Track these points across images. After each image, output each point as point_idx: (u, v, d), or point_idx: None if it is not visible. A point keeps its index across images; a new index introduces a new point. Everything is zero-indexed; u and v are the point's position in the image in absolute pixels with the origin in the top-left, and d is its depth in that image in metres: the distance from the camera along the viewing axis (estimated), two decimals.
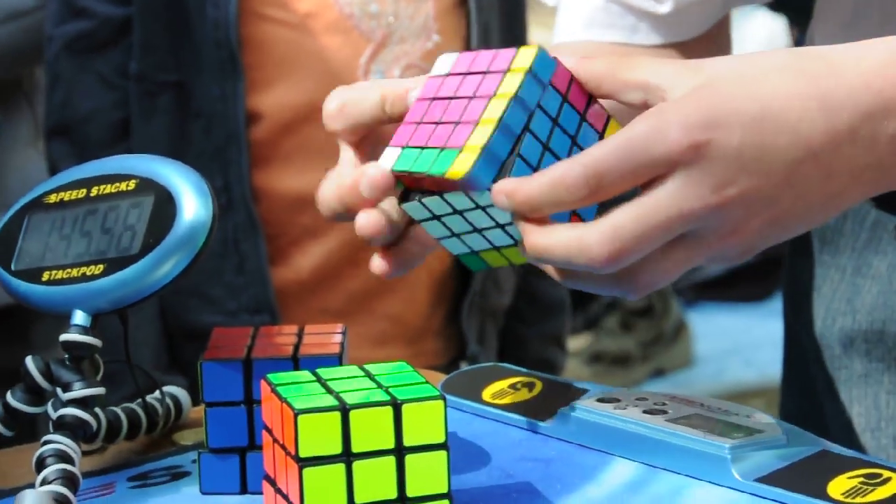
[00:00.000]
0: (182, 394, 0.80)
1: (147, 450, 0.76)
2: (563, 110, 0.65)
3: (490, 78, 0.66)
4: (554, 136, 0.65)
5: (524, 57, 0.65)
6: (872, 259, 0.86)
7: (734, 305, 2.48)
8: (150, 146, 1.29)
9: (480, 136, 0.64)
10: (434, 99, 0.68)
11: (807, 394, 0.91)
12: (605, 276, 0.63)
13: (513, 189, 0.62)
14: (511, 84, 0.65)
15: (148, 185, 0.72)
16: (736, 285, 2.49)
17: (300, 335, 0.73)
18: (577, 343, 2.32)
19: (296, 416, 0.62)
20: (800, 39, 2.92)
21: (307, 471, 0.62)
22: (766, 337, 2.15)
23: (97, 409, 0.73)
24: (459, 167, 0.63)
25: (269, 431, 0.65)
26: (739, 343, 2.33)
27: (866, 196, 0.65)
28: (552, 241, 0.62)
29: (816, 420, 0.89)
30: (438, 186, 0.65)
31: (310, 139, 1.31)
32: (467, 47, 1.31)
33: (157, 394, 0.78)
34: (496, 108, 0.64)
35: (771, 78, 0.62)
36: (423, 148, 0.66)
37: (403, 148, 0.67)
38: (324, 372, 0.66)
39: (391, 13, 1.28)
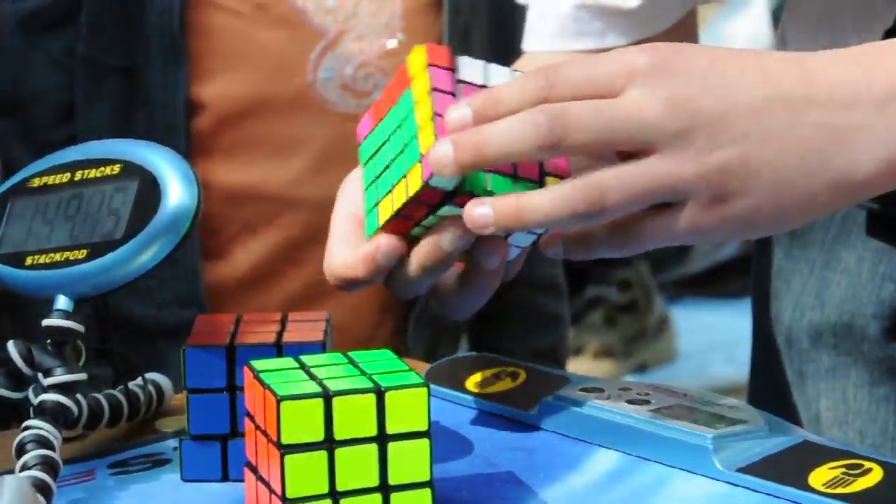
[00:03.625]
0: (164, 381, 0.80)
1: (128, 437, 0.76)
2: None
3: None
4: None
5: None
6: (842, 253, 0.86)
7: (716, 301, 2.49)
8: (95, 132, 1.26)
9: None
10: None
11: (774, 387, 0.91)
12: (606, 236, 0.64)
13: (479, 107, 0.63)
14: None
15: (133, 170, 0.71)
16: (718, 281, 2.50)
17: (283, 322, 0.73)
18: None
19: (278, 402, 0.62)
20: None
21: (289, 458, 0.62)
22: (747, 333, 2.16)
23: (78, 396, 0.73)
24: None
25: (252, 418, 0.65)
26: (721, 339, 2.34)
27: (849, 166, 0.63)
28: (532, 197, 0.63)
29: (784, 414, 0.89)
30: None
31: (253, 133, 1.27)
32: None
33: (138, 380, 0.78)
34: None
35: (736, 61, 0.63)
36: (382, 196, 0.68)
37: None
38: (307, 359, 0.66)
39: (351, 9, 1.25)
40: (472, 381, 0.78)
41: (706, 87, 0.62)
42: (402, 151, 0.67)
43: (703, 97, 0.62)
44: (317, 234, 1.24)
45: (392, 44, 1.25)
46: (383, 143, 0.69)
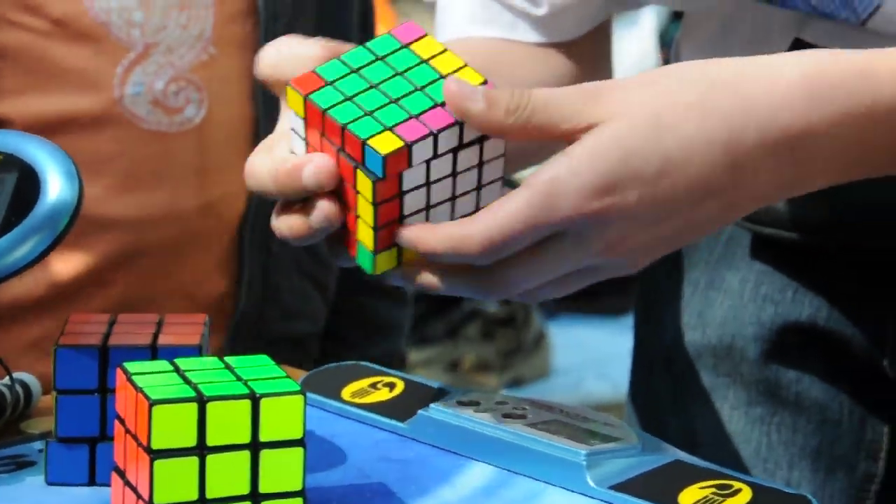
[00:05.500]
0: (32, 381, 0.78)
1: None
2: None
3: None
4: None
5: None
6: (725, 273, 0.87)
7: (593, 319, 2.51)
8: None
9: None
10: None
11: (652, 406, 0.92)
12: (481, 280, 0.65)
13: (416, 238, 0.64)
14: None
15: (11, 162, 0.70)
16: (596, 299, 2.52)
17: (160, 324, 0.72)
18: (435, 351, 2.32)
19: (150, 406, 0.61)
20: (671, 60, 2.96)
21: (159, 463, 0.61)
22: (621, 351, 2.18)
23: None
24: (383, 145, 0.64)
25: (122, 422, 0.64)
26: (596, 356, 2.36)
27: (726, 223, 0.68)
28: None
29: (661, 432, 0.90)
30: (338, 138, 0.65)
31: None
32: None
33: (6, 380, 0.76)
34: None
35: (678, 122, 0.64)
36: (351, 99, 0.66)
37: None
38: (182, 362, 0.65)
39: (159, 21, 1.20)
40: (349, 391, 0.77)
41: (639, 221, 0.64)
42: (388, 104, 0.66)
43: (635, 231, 0.64)
44: (126, 256, 1.19)
45: (204, 57, 1.22)
46: (387, 75, 0.67)
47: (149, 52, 1.19)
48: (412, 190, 0.65)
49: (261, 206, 1.19)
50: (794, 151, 0.65)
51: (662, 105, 0.64)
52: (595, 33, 0.87)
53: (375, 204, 0.64)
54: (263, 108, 1.19)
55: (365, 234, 0.66)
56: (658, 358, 0.91)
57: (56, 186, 0.69)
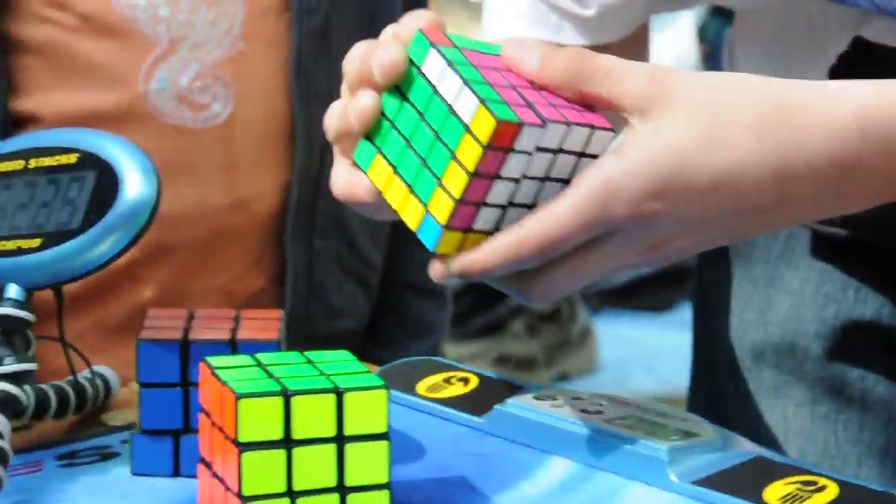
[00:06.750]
0: (111, 374, 0.79)
1: (74, 429, 0.75)
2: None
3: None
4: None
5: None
6: (785, 272, 0.87)
7: (639, 313, 2.50)
8: None
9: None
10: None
11: (714, 404, 0.92)
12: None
13: (470, 263, 0.64)
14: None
15: (91, 160, 0.70)
16: (641, 294, 2.51)
17: (238, 319, 0.72)
18: (481, 346, 2.32)
19: (237, 399, 0.61)
20: (712, 54, 2.95)
21: (246, 455, 0.61)
22: (668, 346, 2.17)
23: (26, 386, 0.72)
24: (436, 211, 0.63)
25: (207, 415, 0.64)
26: (642, 351, 2.35)
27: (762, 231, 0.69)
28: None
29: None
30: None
31: None
32: (289, 54, 1.19)
33: (86, 372, 0.77)
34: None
35: (735, 140, 0.64)
36: (408, 144, 0.65)
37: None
38: (264, 357, 0.65)
39: (186, 17, 1.18)
40: (424, 386, 0.78)
41: (683, 229, 0.65)
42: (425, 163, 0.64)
43: (677, 237, 0.65)
44: (156, 253, 1.17)
45: (232, 53, 1.18)
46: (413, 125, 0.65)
47: (174, 47, 1.18)
48: (505, 179, 0.63)
49: (301, 203, 1.19)
50: (839, 183, 0.66)
51: (722, 119, 0.64)
52: (636, 34, 0.87)
53: (471, 174, 0.62)
54: (300, 104, 1.18)
55: (441, 205, 0.63)
56: (719, 356, 0.91)
57: (135, 185, 0.69)
